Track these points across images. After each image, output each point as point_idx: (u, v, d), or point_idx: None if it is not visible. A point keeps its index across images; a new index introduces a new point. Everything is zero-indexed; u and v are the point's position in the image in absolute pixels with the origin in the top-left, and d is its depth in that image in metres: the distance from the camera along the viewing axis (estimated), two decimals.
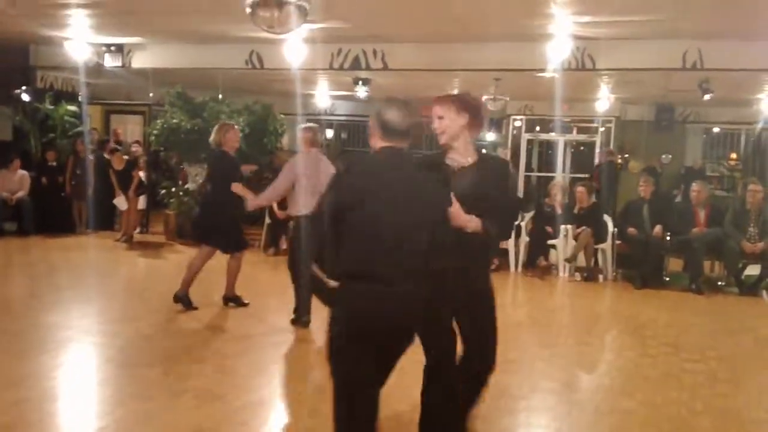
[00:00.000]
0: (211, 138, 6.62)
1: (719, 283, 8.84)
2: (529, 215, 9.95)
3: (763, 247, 8.37)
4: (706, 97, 10.93)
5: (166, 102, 11.48)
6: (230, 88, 12.84)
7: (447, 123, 3.21)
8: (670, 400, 4.53)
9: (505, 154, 15.05)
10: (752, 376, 5.52)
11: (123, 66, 11.37)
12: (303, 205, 5.71)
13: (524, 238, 9.57)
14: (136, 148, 12.23)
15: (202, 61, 11.28)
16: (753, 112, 14.45)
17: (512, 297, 8.77)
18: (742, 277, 8.80)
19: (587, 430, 3.98)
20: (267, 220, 10.56)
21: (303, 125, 6.37)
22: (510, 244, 9.44)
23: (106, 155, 11.67)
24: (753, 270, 8.82)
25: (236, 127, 6.99)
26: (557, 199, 9.69)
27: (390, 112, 2.86)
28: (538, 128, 16.08)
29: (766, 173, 13.32)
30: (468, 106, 3.23)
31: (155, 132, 11.16)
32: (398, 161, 2.86)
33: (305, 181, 5.85)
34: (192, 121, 10.77)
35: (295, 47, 9.63)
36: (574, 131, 16.69)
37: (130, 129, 14.22)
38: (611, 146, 15.45)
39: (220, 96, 11.58)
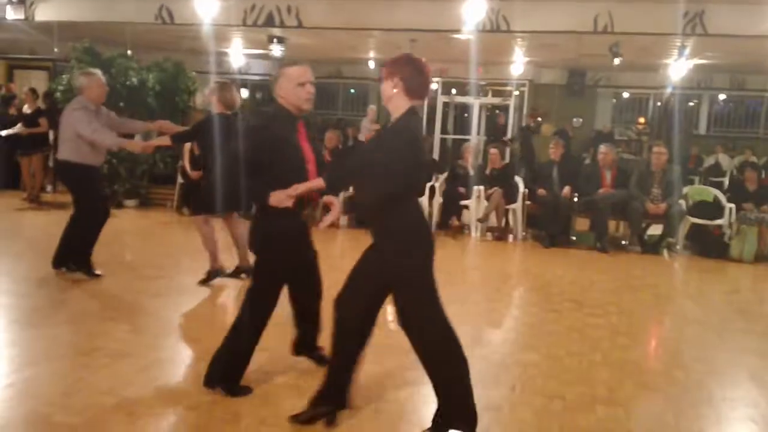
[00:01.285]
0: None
1: (623, 242, 9.20)
2: (443, 176, 10.07)
3: (666, 208, 8.74)
4: (616, 61, 11.25)
5: (72, 57, 10.95)
6: (140, 44, 12.37)
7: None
8: (572, 353, 4.70)
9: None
10: (650, 330, 5.80)
11: (26, 19, 10.77)
12: None
13: (438, 199, 9.68)
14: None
15: (109, 14, 10.83)
16: (661, 77, 14.99)
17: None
18: (645, 236, 9.19)
19: (493, 382, 4.09)
20: (180, 180, 10.29)
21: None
22: (424, 204, 9.53)
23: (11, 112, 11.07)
24: (656, 230, 9.22)
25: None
26: (470, 160, 9.83)
27: None
28: (454, 91, 16.19)
29: (672, 137, 13.89)
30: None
31: (61, 88, 10.64)
32: None
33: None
34: None
35: (206, 2, 9.33)
36: (489, 94, 16.90)
37: (35, 84, 13.50)
38: (524, 110, 15.75)
39: (129, 52, 11.13)
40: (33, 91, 11.29)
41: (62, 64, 12.46)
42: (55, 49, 12.80)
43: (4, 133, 10.51)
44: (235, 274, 6.20)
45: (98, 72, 6.10)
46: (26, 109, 10.71)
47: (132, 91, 10.48)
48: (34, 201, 10.33)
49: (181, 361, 4.33)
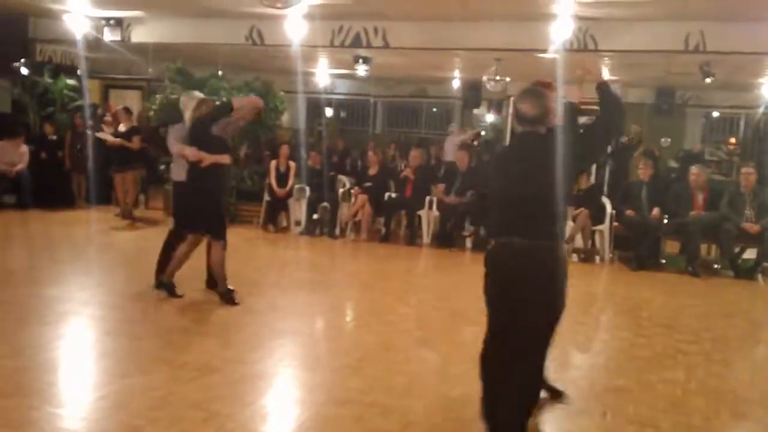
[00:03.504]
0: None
1: (715, 266, 8.88)
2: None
3: (760, 228, 8.40)
4: (707, 80, 10.90)
5: (166, 77, 11.42)
6: (230, 64, 12.79)
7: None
8: (664, 380, 4.58)
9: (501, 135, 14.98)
10: (745, 358, 5.58)
11: (122, 40, 11.31)
12: None
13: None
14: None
15: (202, 36, 11.23)
16: (753, 96, 14.43)
17: None
18: (739, 261, 8.85)
19: (583, 408, 4.02)
20: (266, 197, 10.56)
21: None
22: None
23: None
24: (750, 254, 8.87)
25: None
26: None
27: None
28: None
29: (765, 158, 13.34)
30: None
31: (154, 107, 11.11)
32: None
33: None
34: None
35: (295, 23, 9.60)
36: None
37: (129, 104, 14.13)
38: None
39: (220, 72, 11.52)
40: (126, 109, 11.82)
41: (156, 84, 12.99)
42: (150, 70, 13.39)
43: (100, 135, 10.98)
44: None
45: (197, 93, 6.39)
46: (121, 127, 11.20)
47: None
48: (127, 217, 10.76)
49: (270, 377, 4.41)
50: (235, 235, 10.17)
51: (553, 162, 3.18)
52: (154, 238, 9.51)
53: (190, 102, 6.10)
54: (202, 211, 5.89)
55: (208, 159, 5.77)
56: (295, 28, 9.64)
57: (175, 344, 4.82)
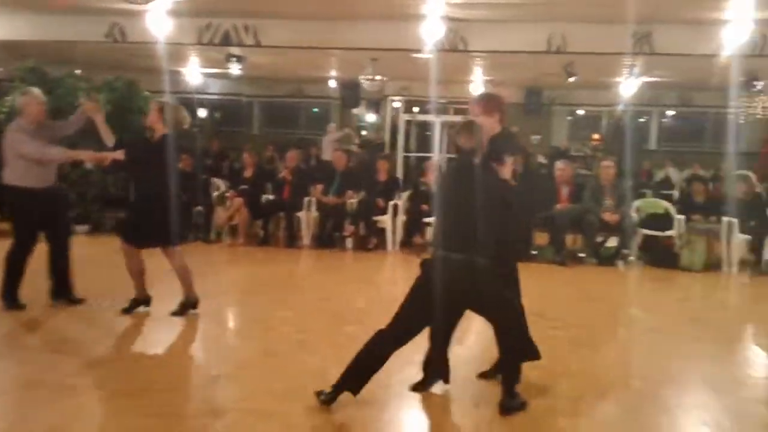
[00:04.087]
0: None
1: (580, 255, 9.38)
2: (406, 194, 10.16)
3: (619, 217, 8.97)
4: (571, 79, 11.53)
5: (16, 78, 10.71)
6: (91, 63, 12.18)
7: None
8: (533, 366, 4.74)
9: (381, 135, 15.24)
10: (607, 341, 5.92)
11: None
12: None
13: (401, 217, 9.75)
14: None
15: (58, 33, 10.58)
16: (613, 94, 15.37)
17: (390, 275, 8.96)
18: (601, 249, 9.40)
19: (455, 397, 4.15)
20: None
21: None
22: (387, 222, 9.62)
23: None
24: (611, 243, 9.44)
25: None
26: (433, 178, 9.93)
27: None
28: (416, 109, 16.34)
29: (625, 152, 14.21)
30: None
31: (4, 110, 10.40)
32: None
33: None
34: (45, 98, 10.11)
35: (159, 20, 9.25)
36: (451, 112, 17.09)
37: None
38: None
39: (78, 71, 10.92)
40: None
41: (7, 84, 12.18)
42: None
43: None
44: (182, 310, 5.79)
45: (35, 90, 5.97)
46: None
47: None
48: None
49: (141, 392, 4.18)
50: (101, 245, 9.76)
51: (483, 190, 3.80)
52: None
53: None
54: (158, 224, 5.55)
55: (91, 157, 5.76)
56: (158, 24, 9.29)
57: (31, 363, 4.53)
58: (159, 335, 5.46)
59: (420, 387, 4.19)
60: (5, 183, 5.73)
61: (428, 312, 3.89)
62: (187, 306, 5.80)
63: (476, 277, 3.80)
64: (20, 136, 5.66)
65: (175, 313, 5.74)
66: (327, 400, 3.82)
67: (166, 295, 5.90)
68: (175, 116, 5.72)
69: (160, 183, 5.51)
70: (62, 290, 5.91)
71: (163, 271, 5.87)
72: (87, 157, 6.11)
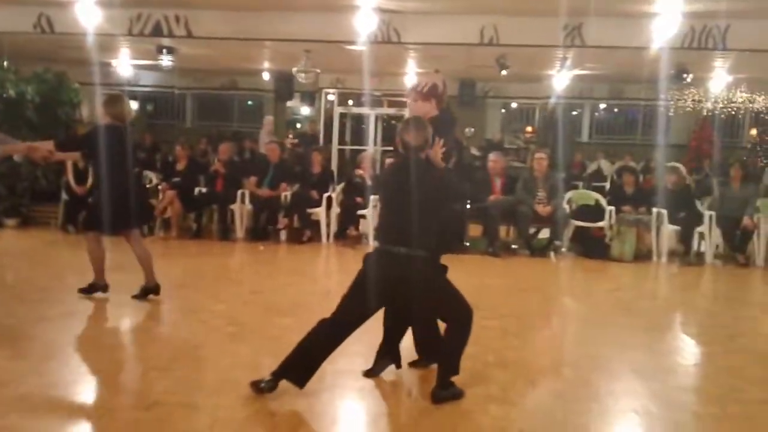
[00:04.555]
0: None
1: (513, 246, 9.53)
2: (340, 187, 10.13)
3: (552, 209, 9.14)
4: (504, 72, 11.67)
5: None
6: (18, 54, 11.74)
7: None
8: (466, 355, 4.75)
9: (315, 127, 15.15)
10: (538, 330, 6.03)
11: None
12: None
13: (335, 209, 9.71)
14: None
15: None
16: (545, 87, 15.65)
17: (324, 267, 8.92)
18: (534, 240, 9.57)
19: (388, 389, 4.15)
20: (64, 196, 9.86)
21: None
22: (321, 215, 9.58)
23: None
24: (544, 235, 9.62)
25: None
26: (367, 170, 9.93)
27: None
28: (350, 102, 16.29)
29: (557, 145, 14.50)
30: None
31: None
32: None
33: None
34: None
35: (88, 10, 8.98)
36: (385, 105, 17.10)
37: None
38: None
39: (5, 63, 10.56)
40: None
41: None
42: None
43: None
44: (143, 295, 5.97)
45: None
46: None
47: (9, 104, 9.97)
48: None
49: (67, 386, 4.12)
50: (31, 238, 9.49)
51: (429, 186, 3.85)
52: None
53: None
54: (127, 210, 5.77)
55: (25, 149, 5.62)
56: (87, 15, 9.02)
57: None
58: (89, 328, 5.31)
59: (371, 373, 4.28)
60: None
61: (370, 305, 3.94)
62: (148, 291, 5.97)
63: (422, 270, 3.86)
64: None
65: (136, 297, 5.91)
66: (267, 387, 3.81)
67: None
68: (122, 108, 5.86)
69: (121, 171, 5.70)
70: None
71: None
72: (18, 149, 5.83)
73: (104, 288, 5.99)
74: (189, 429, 3.51)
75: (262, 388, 3.81)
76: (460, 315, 4.03)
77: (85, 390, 4.12)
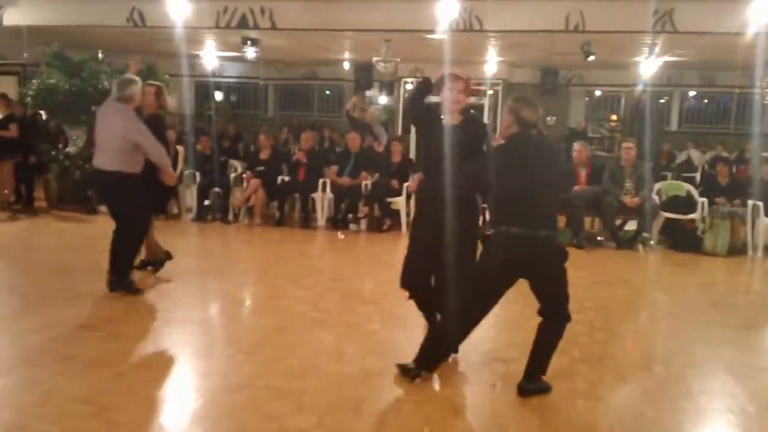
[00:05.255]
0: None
1: (598, 238, 9.28)
2: (419, 175, 10.07)
3: (640, 201, 8.85)
4: (589, 59, 11.34)
5: (42, 62, 10.80)
6: (111, 47, 12.23)
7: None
8: None
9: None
10: (626, 325, 5.85)
11: None
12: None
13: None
14: None
15: (80, 18, 10.69)
16: (632, 74, 15.13)
17: (404, 256, 8.89)
18: (621, 232, 9.29)
19: (474, 380, 4.12)
20: None
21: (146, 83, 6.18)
22: (401, 204, 9.58)
23: None
24: (631, 226, 9.32)
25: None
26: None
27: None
28: None
29: (644, 134, 14.03)
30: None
31: (31, 93, 10.49)
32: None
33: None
34: (70, 81, 10.20)
35: (178, 4, 9.27)
36: None
37: (4, 90, 13.31)
38: (499, 109, 15.84)
39: (100, 55, 10.99)
40: (3, 96, 11.14)
41: (32, 69, 12.28)
42: (25, 54, 12.62)
43: None
44: (142, 266, 6.38)
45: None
46: None
47: (104, 95, 10.34)
48: (5, 209, 10.16)
49: (161, 367, 4.27)
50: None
51: (552, 161, 3.92)
52: (36, 230, 9.12)
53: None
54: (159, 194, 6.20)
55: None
56: (177, 8, 9.30)
57: (60, 338, 4.58)
58: (176, 312, 5.47)
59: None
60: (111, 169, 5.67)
61: (498, 289, 3.96)
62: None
63: (558, 252, 3.86)
64: (141, 126, 5.72)
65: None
66: (412, 375, 3.99)
67: (185, 274, 5.94)
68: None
69: None
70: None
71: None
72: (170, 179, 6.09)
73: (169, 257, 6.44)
74: (276, 412, 3.57)
75: (409, 373, 3.99)
76: (565, 308, 3.98)
77: (178, 371, 4.25)
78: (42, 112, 11.55)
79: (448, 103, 4.14)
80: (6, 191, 10.38)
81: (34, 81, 10.72)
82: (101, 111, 5.84)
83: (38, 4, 10.70)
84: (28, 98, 10.56)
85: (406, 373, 4.01)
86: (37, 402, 3.56)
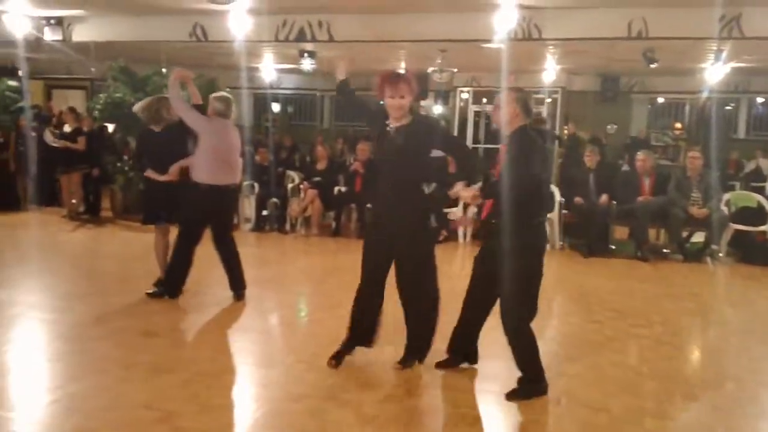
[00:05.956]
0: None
1: (664, 250, 9.00)
2: (476, 186, 9.97)
3: (707, 212, 8.55)
4: (651, 66, 11.08)
5: (109, 76, 11.14)
6: (173, 61, 12.51)
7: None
8: (616, 364, 4.61)
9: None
10: (695, 340, 5.66)
11: (63, 39, 11.00)
12: (207, 173, 5.66)
13: (472, 209, 9.58)
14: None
15: (144, 33, 10.96)
16: (697, 81, 14.73)
17: (460, 267, 8.81)
18: (688, 244, 9.00)
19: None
20: None
21: (214, 94, 6.17)
22: (458, 214, 9.50)
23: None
24: (698, 238, 9.03)
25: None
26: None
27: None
28: (485, 100, 16.11)
29: (710, 142, 13.62)
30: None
31: (99, 107, 10.83)
32: None
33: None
34: (135, 95, 10.49)
35: (239, 19, 9.43)
36: None
37: (72, 104, 13.78)
38: (557, 117, 15.64)
39: (164, 70, 11.28)
40: (72, 110, 11.54)
41: (99, 84, 12.68)
42: (92, 69, 13.03)
43: (51, 141, 10.70)
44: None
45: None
46: (66, 128, 10.93)
47: None
48: (74, 218, 10.51)
49: (223, 375, 4.31)
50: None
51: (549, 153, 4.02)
52: (102, 239, 9.38)
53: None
54: None
55: None
56: (239, 23, 9.47)
57: (126, 345, 4.69)
58: (236, 321, 5.54)
59: (445, 365, 4.34)
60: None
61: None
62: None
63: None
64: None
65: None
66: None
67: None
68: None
69: None
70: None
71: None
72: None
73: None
74: (336, 422, 3.56)
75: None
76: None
77: (240, 380, 4.29)
78: (108, 125, 11.90)
79: (391, 110, 4.11)
80: (74, 201, 10.73)
81: (101, 95, 11.08)
82: (222, 129, 5.83)
83: (105, 21, 11.03)
84: (96, 112, 10.90)
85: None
86: (105, 407, 3.63)
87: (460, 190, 4.09)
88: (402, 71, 4.19)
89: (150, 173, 5.90)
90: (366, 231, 4.48)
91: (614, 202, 8.93)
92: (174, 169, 5.82)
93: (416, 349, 4.32)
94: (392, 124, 4.13)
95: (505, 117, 3.92)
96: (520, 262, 3.85)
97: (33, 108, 12.62)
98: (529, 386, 3.92)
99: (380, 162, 4.27)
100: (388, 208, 4.17)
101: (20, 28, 10.32)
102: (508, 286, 3.89)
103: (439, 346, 4.35)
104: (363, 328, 4.33)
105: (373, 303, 4.29)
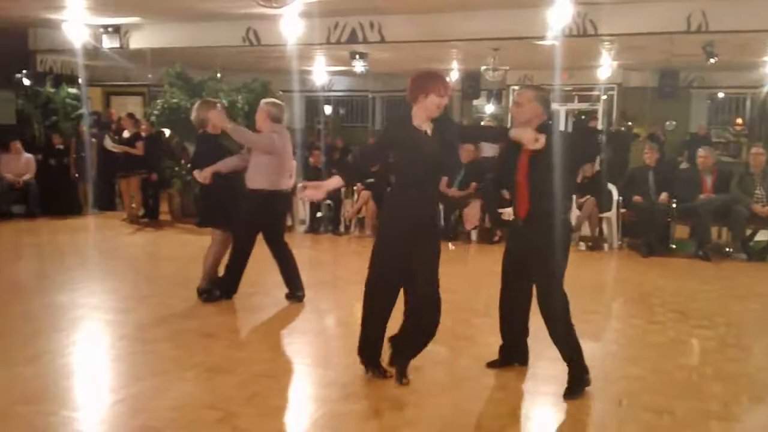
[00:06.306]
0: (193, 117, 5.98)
1: (727, 249, 8.73)
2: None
3: None
4: (711, 60, 10.79)
5: (165, 82, 11.40)
6: (228, 66, 12.75)
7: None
8: (679, 366, 4.49)
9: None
10: (761, 341, 5.47)
11: (121, 47, 11.32)
12: (267, 180, 5.68)
13: (509, 211, 9.47)
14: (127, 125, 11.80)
15: (199, 39, 11.20)
16: (759, 75, 14.29)
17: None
18: (751, 243, 8.72)
19: (598, 396, 3.94)
20: None
21: (265, 100, 6.12)
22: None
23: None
24: (763, 236, 8.74)
25: (219, 104, 6.20)
26: None
27: None
28: None
29: None
30: None
31: (156, 112, 11.09)
32: None
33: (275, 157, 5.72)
34: (191, 100, 10.68)
35: (291, 22, 9.53)
36: (576, 100, 16.53)
37: (130, 110, 14.15)
38: (614, 114, 15.36)
39: (219, 74, 11.48)
40: (131, 116, 11.85)
41: (156, 89, 12.97)
42: (149, 75, 13.34)
43: (110, 146, 11.03)
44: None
45: None
46: (125, 134, 11.23)
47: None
48: (133, 222, 10.78)
49: (282, 376, 4.36)
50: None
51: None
52: (161, 242, 9.61)
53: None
54: None
55: None
56: (291, 27, 9.58)
57: (187, 346, 4.78)
58: (293, 323, 5.60)
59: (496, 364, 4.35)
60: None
61: None
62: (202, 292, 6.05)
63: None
64: None
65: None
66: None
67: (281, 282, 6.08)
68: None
69: None
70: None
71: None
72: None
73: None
74: (394, 424, 3.56)
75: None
76: None
77: (298, 381, 4.34)
78: (165, 130, 12.18)
79: (436, 110, 3.93)
80: (134, 205, 11.02)
81: (158, 100, 11.33)
82: (284, 136, 5.85)
83: (161, 28, 11.30)
84: (153, 117, 11.16)
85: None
86: (168, 407, 3.71)
87: (519, 132, 3.92)
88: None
89: (196, 174, 5.88)
90: (391, 238, 4.35)
91: (674, 200, 8.71)
92: (207, 173, 5.72)
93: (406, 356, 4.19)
94: (423, 126, 3.96)
95: (527, 115, 3.98)
96: (559, 255, 3.97)
97: (92, 114, 13.02)
98: (579, 381, 3.92)
99: (418, 165, 3.97)
100: (424, 213, 4.08)
101: (79, 37, 10.64)
102: (545, 280, 3.98)
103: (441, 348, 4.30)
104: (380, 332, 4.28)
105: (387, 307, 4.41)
